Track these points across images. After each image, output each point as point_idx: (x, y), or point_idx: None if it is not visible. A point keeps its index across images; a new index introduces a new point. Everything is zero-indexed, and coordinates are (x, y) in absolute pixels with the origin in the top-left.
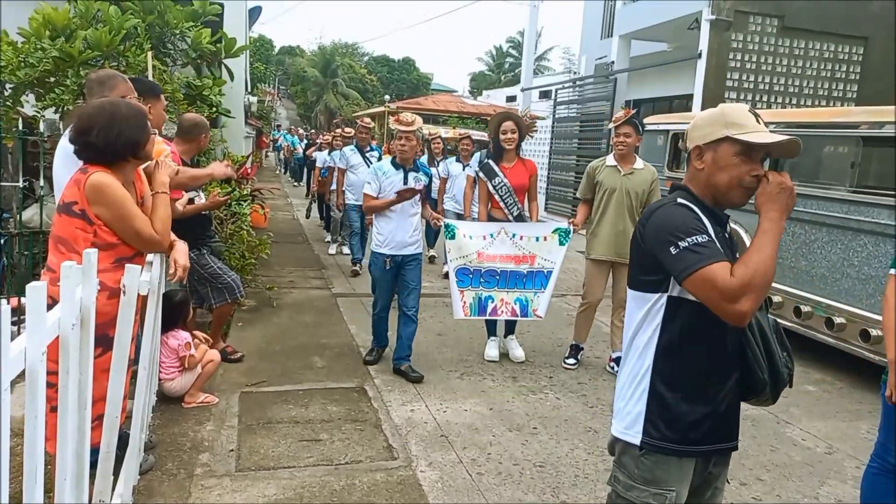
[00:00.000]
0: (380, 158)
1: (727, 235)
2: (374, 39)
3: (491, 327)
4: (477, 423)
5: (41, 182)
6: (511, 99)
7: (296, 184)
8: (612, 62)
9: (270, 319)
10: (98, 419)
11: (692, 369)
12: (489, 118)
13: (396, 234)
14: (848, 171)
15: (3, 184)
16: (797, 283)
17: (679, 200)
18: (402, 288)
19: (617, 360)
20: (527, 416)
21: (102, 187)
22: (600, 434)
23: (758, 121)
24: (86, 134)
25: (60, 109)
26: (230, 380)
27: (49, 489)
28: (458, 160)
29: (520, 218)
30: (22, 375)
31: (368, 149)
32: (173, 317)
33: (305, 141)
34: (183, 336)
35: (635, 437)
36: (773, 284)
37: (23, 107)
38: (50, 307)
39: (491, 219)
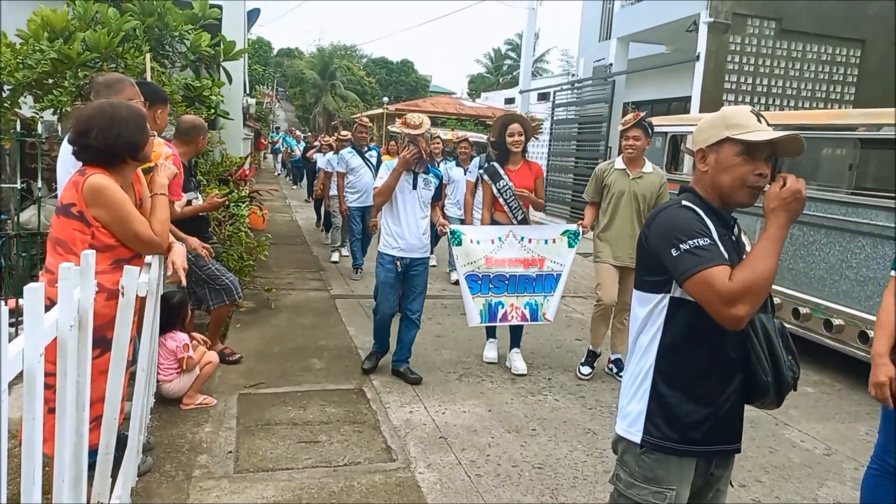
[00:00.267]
0: (379, 158)
1: (734, 238)
2: (372, 41)
3: (490, 329)
4: (476, 424)
5: (39, 183)
6: (510, 101)
7: (294, 186)
8: (611, 64)
9: (269, 321)
10: (96, 420)
11: (693, 370)
12: (487, 120)
13: (406, 235)
14: (846, 173)
15: (1, 185)
16: (796, 284)
17: (683, 203)
18: (407, 292)
19: (615, 362)
20: (526, 418)
21: (101, 189)
22: (599, 436)
23: (760, 121)
24: (85, 136)
25: (58, 111)
26: (228, 381)
27: (47, 491)
28: (457, 164)
29: (524, 222)
30: (20, 377)
31: (366, 149)
32: (171, 318)
33: (303, 143)
34: (181, 338)
35: (636, 436)
36: (773, 286)
37: (21, 108)
38: (48, 308)
39: (494, 223)
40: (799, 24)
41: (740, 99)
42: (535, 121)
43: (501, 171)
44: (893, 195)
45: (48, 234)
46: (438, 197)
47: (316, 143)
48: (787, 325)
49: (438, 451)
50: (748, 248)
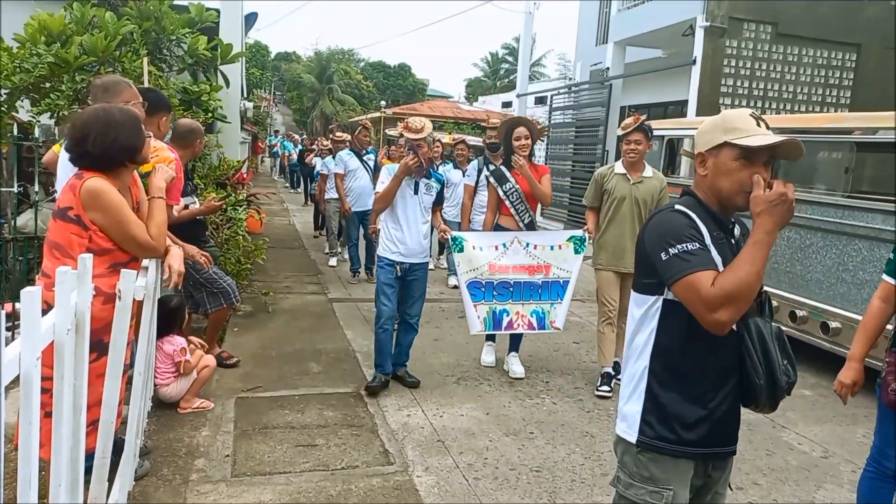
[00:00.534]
0: (376, 161)
1: (734, 241)
2: (370, 45)
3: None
4: (473, 427)
5: (36, 187)
6: (507, 105)
7: (291, 190)
8: (608, 68)
9: (266, 325)
10: (93, 424)
11: (687, 371)
12: (484, 123)
13: (407, 240)
14: (842, 177)
15: None
16: (792, 287)
17: (677, 207)
18: (406, 296)
19: (614, 365)
20: (523, 421)
21: (98, 192)
22: (597, 438)
23: (759, 125)
24: (82, 143)
25: (56, 115)
26: (226, 385)
27: (43, 495)
28: (455, 167)
29: (531, 225)
30: (16, 381)
31: (365, 152)
32: (169, 322)
33: (300, 146)
34: (178, 341)
35: (632, 436)
36: (769, 289)
37: (18, 112)
38: (45, 312)
39: (500, 228)
40: (795, 28)
41: (737, 102)
42: (538, 124)
43: (508, 174)
44: (892, 198)
45: (45, 237)
46: (440, 201)
47: (314, 147)
48: (783, 328)
49: (436, 455)
50: None
